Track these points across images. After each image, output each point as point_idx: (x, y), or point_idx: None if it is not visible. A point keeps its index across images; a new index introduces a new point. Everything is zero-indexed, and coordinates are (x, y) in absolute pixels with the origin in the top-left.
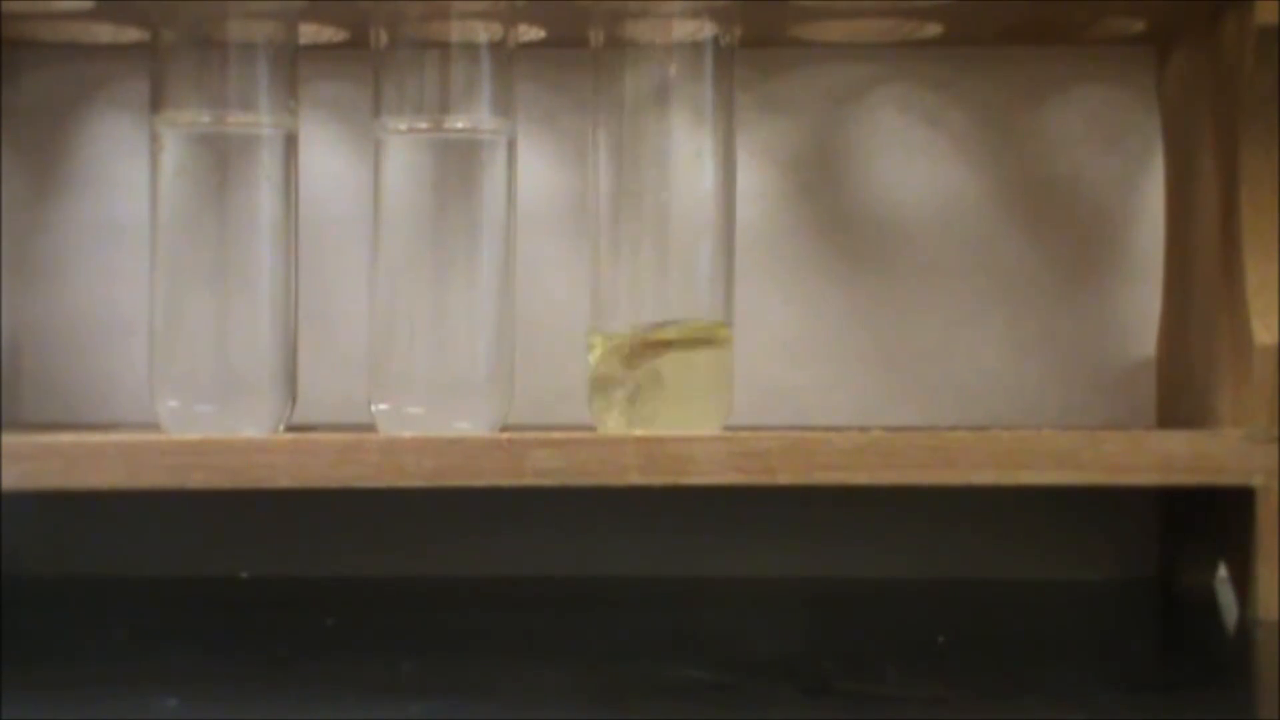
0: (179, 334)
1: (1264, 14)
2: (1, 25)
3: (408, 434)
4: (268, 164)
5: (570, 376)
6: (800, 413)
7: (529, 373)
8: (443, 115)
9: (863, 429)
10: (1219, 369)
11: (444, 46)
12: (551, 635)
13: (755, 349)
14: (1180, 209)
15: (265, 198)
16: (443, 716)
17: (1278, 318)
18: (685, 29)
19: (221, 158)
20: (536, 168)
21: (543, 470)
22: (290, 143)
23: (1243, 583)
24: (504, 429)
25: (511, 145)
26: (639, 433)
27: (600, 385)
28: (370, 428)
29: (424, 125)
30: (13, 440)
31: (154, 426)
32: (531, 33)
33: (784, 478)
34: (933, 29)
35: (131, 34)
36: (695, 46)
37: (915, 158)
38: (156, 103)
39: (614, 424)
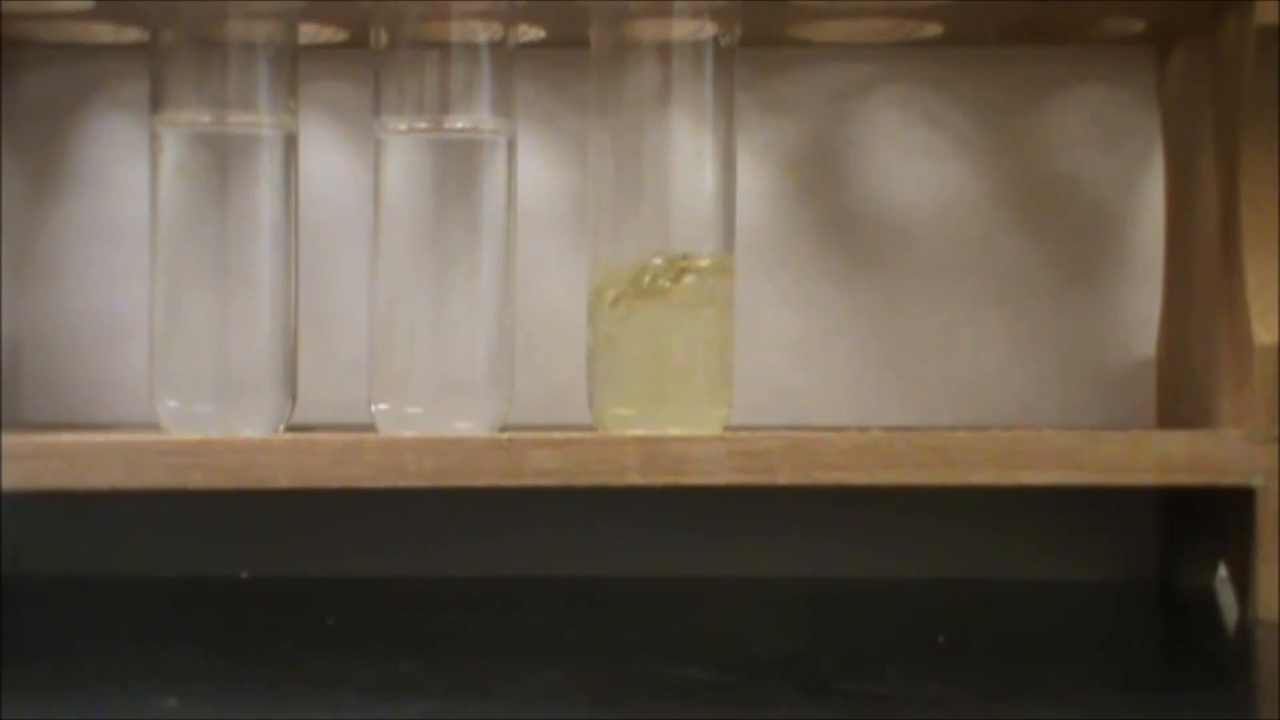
0: (179, 334)
1: (1264, 14)
2: (1, 25)
3: (408, 434)
4: (268, 164)
5: (570, 376)
6: (800, 413)
7: (529, 373)
8: (443, 115)
9: (863, 429)
10: (1219, 369)
11: (444, 46)
12: (551, 635)
13: (755, 349)
14: (1180, 209)
15: (265, 198)
16: (443, 716)
17: (1278, 318)
18: (685, 29)
19: (221, 158)
20: (536, 168)
21: (543, 470)
22: (290, 143)
23: (1243, 583)
24: (504, 429)
25: (511, 145)
26: (639, 433)
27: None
28: (370, 428)
29: (424, 125)
30: (13, 440)
31: (154, 426)
32: (531, 33)
33: (784, 478)
34: (933, 29)
35: (131, 34)
36: (695, 46)
37: (915, 158)
38: (156, 103)
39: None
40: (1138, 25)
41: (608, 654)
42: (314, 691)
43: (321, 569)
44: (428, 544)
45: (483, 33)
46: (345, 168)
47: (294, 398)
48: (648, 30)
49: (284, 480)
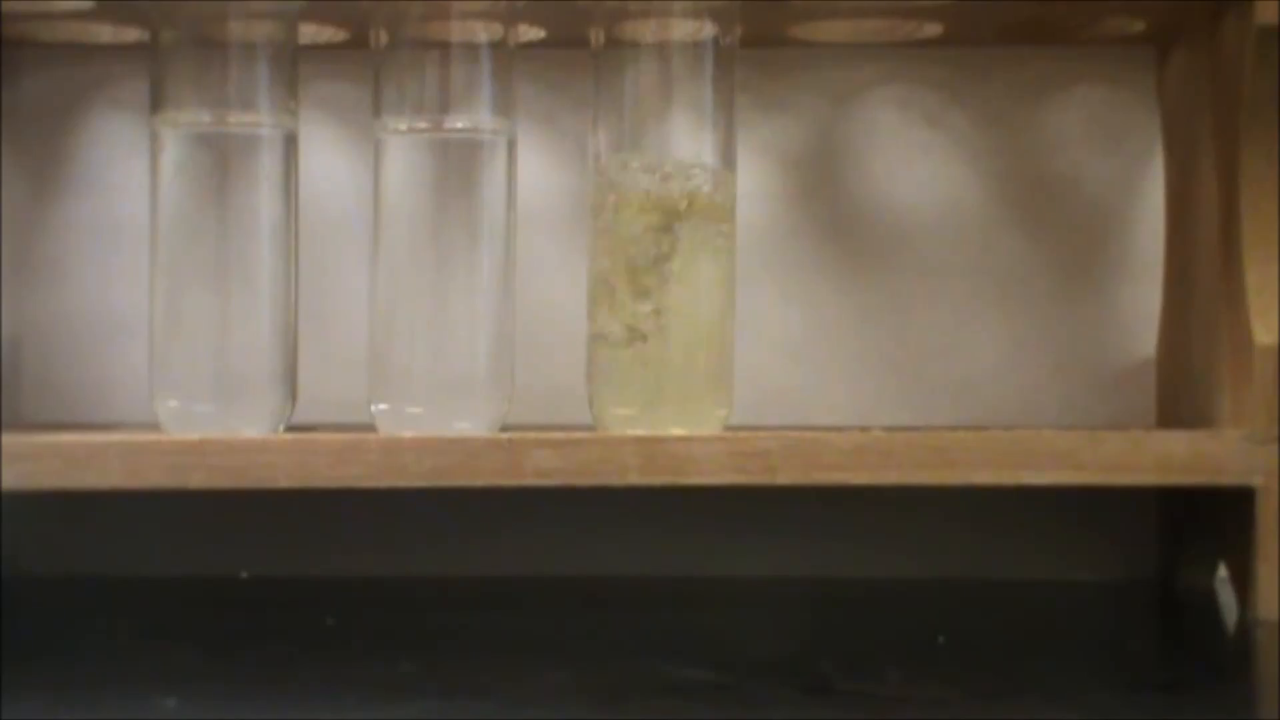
0: (179, 334)
1: (1264, 14)
2: (2, 25)
3: (408, 434)
4: (268, 164)
5: (570, 376)
6: (800, 413)
7: (529, 373)
8: (443, 115)
9: (863, 429)
10: (1219, 369)
11: (444, 46)
12: (551, 635)
13: (755, 349)
14: (1180, 209)
15: (265, 198)
16: (443, 716)
17: (1278, 318)
18: (685, 29)
19: (221, 158)
20: (536, 168)
21: (543, 470)
22: (290, 143)
23: (1243, 583)
24: (504, 429)
25: (511, 145)
26: (639, 433)
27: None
28: (370, 428)
29: (424, 125)
30: (13, 440)
31: (154, 426)
32: (531, 33)
33: (784, 478)
34: (933, 29)
35: (131, 34)
36: (695, 46)
37: (915, 158)
38: (156, 103)
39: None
40: (1138, 25)
41: (608, 654)
42: (314, 691)
43: (321, 569)
44: (428, 544)
45: (483, 33)
46: (345, 168)
47: (294, 397)
48: (648, 30)
49: (284, 480)
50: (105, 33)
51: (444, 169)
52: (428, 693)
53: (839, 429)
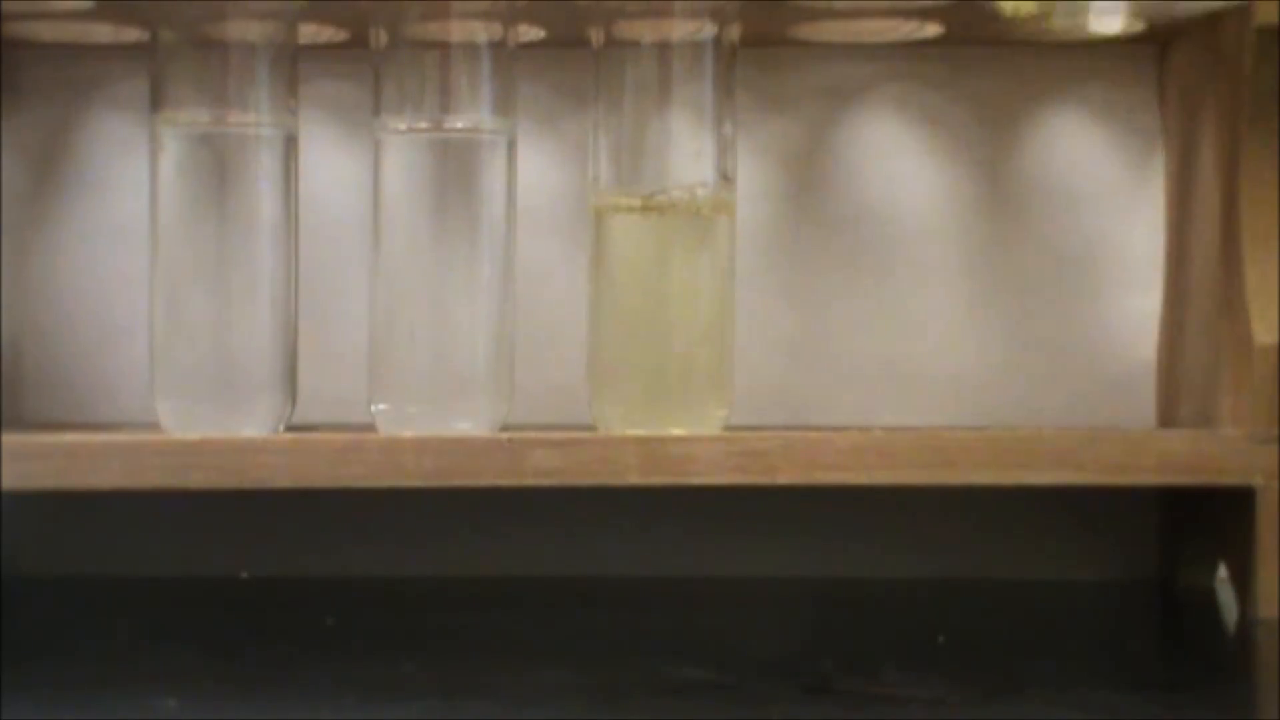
0: (179, 334)
1: (1264, 14)
2: (2, 25)
3: (408, 434)
4: (268, 164)
5: (570, 376)
6: (800, 413)
7: (529, 373)
8: (443, 115)
9: (863, 429)
10: (1219, 369)
11: (444, 46)
12: (551, 635)
13: (755, 349)
14: (1180, 209)
15: (265, 197)
16: (442, 716)
17: (1278, 318)
18: (685, 28)
19: (221, 157)
20: (536, 168)
21: (543, 470)
22: (290, 143)
23: (1243, 583)
24: (504, 429)
25: (511, 145)
26: (639, 433)
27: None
28: (370, 428)
29: (424, 125)
30: (13, 440)
31: (154, 426)
32: (531, 33)
33: (784, 478)
34: (933, 29)
35: (131, 34)
36: (695, 46)
37: (915, 157)
38: (156, 103)
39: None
40: (1138, 25)
41: (608, 654)
42: (314, 691)
43: (321, 569)
44: (428, 544)
45: (483, 33)
46: (345, 168)
47: (294, 397)
48: (648, 30)
49: (284, 480)
50: (105, 33)
51: (444, 169)
52: (428, 693)
53: (839, 429)
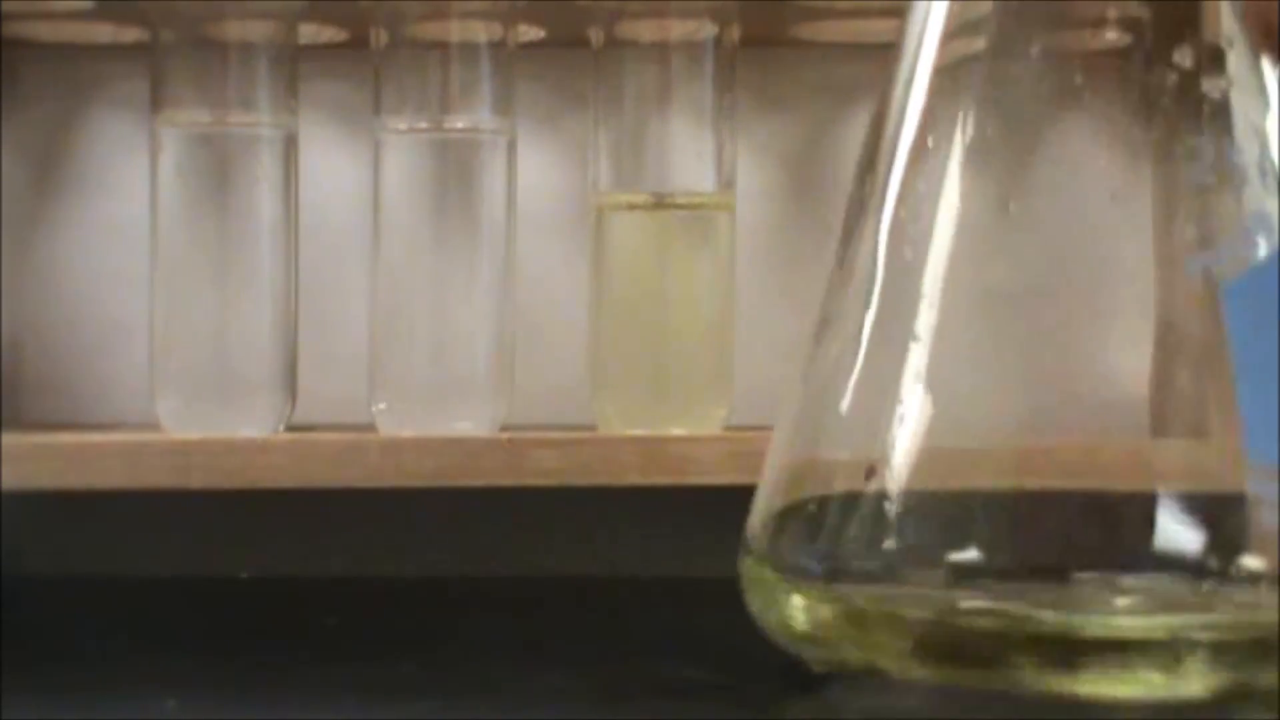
0: (179, 333)
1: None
2: (1, 25)
3: (408, 434)
4: (268, 163)
5: (570, 376)
6: None
7: (529, 373)
8: (443, 115)
9: None
10: (1207, 386)
11: (444, 46)
12: (551, 635)
13: (755, 349)
14: (1168, 221)
15: (265, 197)
16: (442, 716)
17: None
18: (685, 28)
19: (221, 157)
20: (537, 168)
21: (543, 470)
22: (290, 142)
23: None
24: (504, 429)
25: (511, 145)
26: (639, 432)
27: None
28: (370, 428)
29: (424, 125)
30: (13, 440)
31: (154, 426)
32: (531, 32)
33: None
34: None
35: (131, 34)
36: (696, 46)
37: None
38: (156, 102)
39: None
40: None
41: (608, 654)
42: (314, 692)
43: (321, 569)
44: (428, 544)
45: (483, 32)
46: (345, 168)
47: (294, 397)
48: (648, 30)
49: (284, 480)
50: (105, 32)
51: (444, 169)
52: (428, 693)
53: None
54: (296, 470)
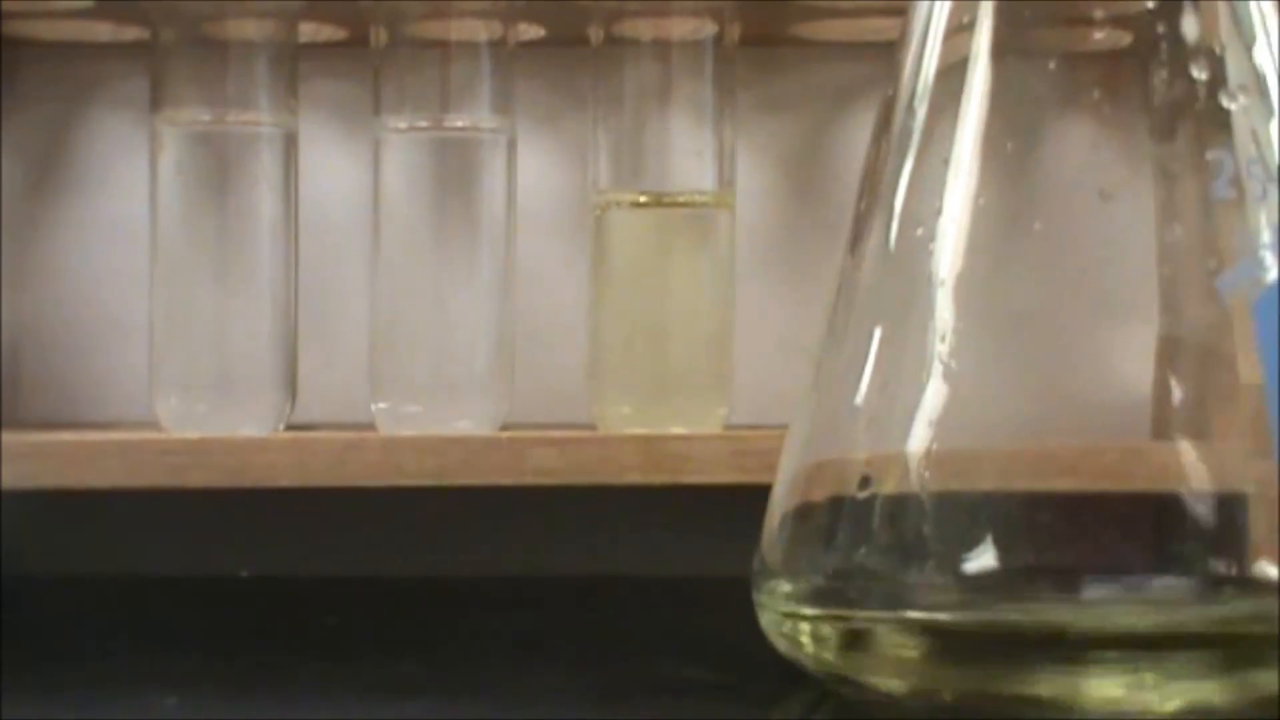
0: (179, 333)
1: None
2: (1, 24)
3: (408, 433)
4: (268, 162)
5: (570, 376)
6: None
7: (529, 372)
8: (443, 114)
9: None
10: (1208, 395)
11: (444, 45)
12: (551, 635)
13: (755, 349)
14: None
15: (265, 196)
16: (442, 716)
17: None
18: (685, 27)
19: (221, 156)
20: (536, 168)
21: (543, 469)
22: (290, 141)
23: None
24: (504, 428)
25: (511, 144)
26: (639, 432)
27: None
28: (370, 427)
29: (424, 124)
30: (12, 439)
31: (154, 425)
32: (531, 31)
33: None
34: None
35: (131, 32)
36: (695, 45)
37: None
38: (156, 101)
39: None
40: (1128, 38)
41: (607, 653)
42: (314, 691)
43: (321, 569)
44: (428, 544)
45: (482, 31)
46: (345, 167)
47: (294, 396)
48: (647, 29)
49: (284, 479)
50: (105, 31)
51: (444, 167)
52: (428, 692)
53: None
54: (296, 469)
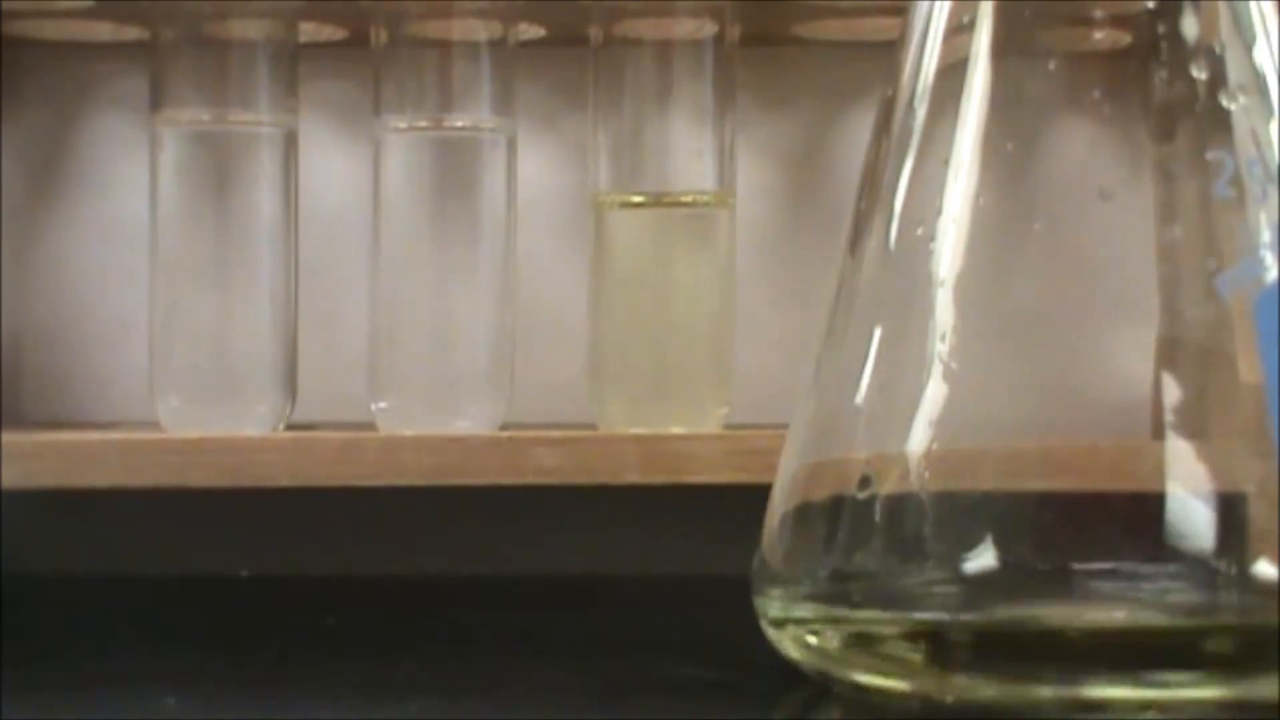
0: (179, 332)
1: None
2: (1, 24)
3: (408, 432)
4: (268, 162)
5: (570, 376)
6: None
7: (529, 371)
8: (443, 114)
9: None
10: (1208, 395)
11: (444, 45)
12: (551, 635)
13: (755, 348)
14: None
15: (265, 196)
16: (442, 716)
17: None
18: (685, 27)
19: (221, 156)
20: (536, 168)
21: (543, 469)
22: (290, 141)
23: None
24: (504, 427)
25: (511, 144)
26: (639, 431)
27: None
28: (370, 426)
29: (424, 124)
30: (13, 439)
31: (154, 425)
32: (531, 31)
33: None
34: None
35: (132, 32)
36: (695, 45)
37: None
38: (156, 101)
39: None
40: (1127, 39)
41: (608, 654)
42: (314, 691)
43: (321, 568)
44: (428, 544)
45: (482, 31)
46: (345, 167)
47: (294, 396)
48: (647, 28)
49: (284, 479)
50: (105, 31)
51: (444, 167)
52: (427, 691)
53: None
54: (296, 469)
